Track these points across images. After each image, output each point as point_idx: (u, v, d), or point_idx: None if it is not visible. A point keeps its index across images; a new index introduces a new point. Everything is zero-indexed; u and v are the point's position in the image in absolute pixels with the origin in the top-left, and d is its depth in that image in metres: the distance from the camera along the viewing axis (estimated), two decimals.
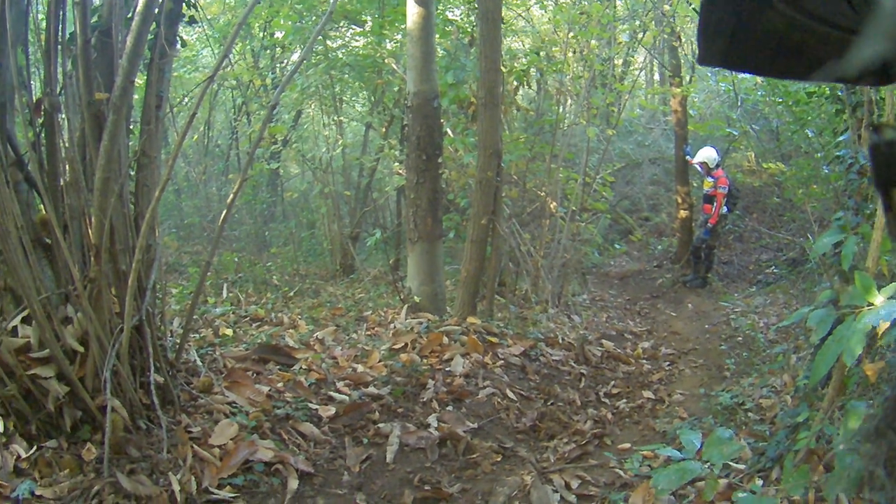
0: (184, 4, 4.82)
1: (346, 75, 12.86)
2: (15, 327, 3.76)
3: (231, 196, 5.11)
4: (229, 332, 6.90)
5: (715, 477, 3.41)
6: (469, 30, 11.55)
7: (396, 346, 6.75)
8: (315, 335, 7.07)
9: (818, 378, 3.26)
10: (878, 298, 2.95)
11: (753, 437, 5.21)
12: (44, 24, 4.07)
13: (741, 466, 4.65)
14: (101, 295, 3.95)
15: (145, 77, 4.68)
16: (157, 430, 4.11)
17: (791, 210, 14.43)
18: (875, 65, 0.80)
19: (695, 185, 14.34)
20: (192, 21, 5.05)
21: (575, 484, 4.93)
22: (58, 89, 4.06)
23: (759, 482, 4.28)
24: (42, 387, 3.70)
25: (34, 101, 4.04)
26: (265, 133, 5.67)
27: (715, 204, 12.28)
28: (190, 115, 4.49)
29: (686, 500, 4.39)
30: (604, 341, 8.81)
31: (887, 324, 2.89)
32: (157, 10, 4.30)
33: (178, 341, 5.08)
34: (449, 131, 10.50)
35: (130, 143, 4.62)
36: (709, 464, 3.25)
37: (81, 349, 3.88)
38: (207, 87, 4.63)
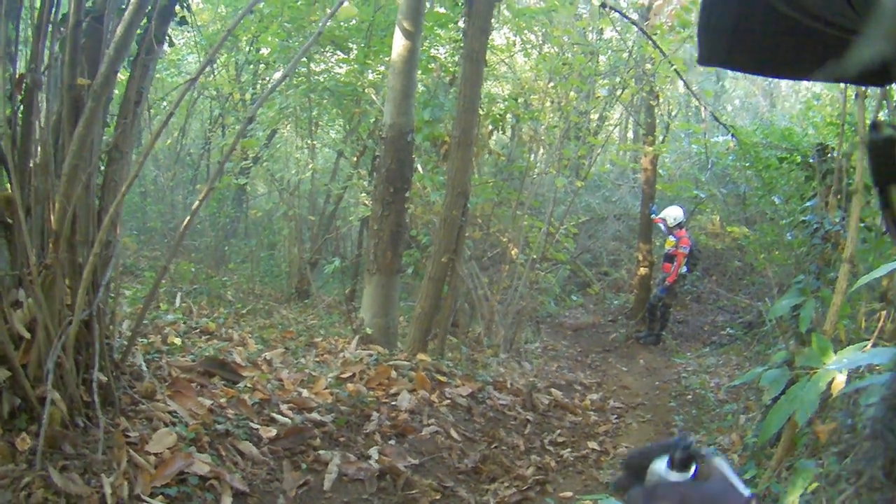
0: (177, 4, 4.79)
1: (325, 100, 12.87)
2: None
3: (196, 203, 5.06)
4: (178, 341, 6.81)
5: None
6: (451, 69, 11.61)
7: (344, 376, 6.69)
8: (263, 355, 7.00)
9: (768, 436, 3.27)
10: (833, 362, 2.96)
11: None
12: (38, 2, 4.02)
13: None
14: (55, 283, 3.88)
15: (129, 73, 4.64)
16: (94, 429, 4.00)
17: (751, 274, 14.63)
18: (875, 65, 0.78)
19: (657, 243, 14.49)
20: (182, 21, 5.03)
21: None
22: (42, 68, 4.00)
23: None
24: None
25: (17, 76, 3.98)
26: (237, 146, 5.63)
27: (675, 263, 12.40)
28: (167, 115, 4.47)
29: None
30: (552, 390, 8.81)
31: (841, 384, 2.90)
32: (150, 6, 4.29)
33: (126, 343, 4.97)
34: (419, 167, 10.53)
35: (105, 137, 4.57)
36: None
37: (28, 335, 3.80)
38: (188, 88, 4.59)
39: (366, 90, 11.93)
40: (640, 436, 7.71)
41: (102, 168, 4.47)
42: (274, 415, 5.44)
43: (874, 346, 3.83)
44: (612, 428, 8.00)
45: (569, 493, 5.79)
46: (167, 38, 4.93)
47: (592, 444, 7.21)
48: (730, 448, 6.29)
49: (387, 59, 9.67)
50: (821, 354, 3.01)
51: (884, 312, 5.14)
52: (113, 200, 4.23)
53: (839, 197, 5.00)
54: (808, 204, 5.71)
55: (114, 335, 4.83)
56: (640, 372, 11.25)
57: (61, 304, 3.99)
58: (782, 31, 0.86)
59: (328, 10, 7.11)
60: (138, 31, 4.35)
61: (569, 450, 6.98)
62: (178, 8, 4.83)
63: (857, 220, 4.02)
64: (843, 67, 0.82)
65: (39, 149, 3.92)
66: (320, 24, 5.78)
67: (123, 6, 4.21)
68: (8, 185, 3.88)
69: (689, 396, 9.27)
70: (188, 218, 5.00)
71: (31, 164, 3.95)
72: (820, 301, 4.00)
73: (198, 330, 7.79)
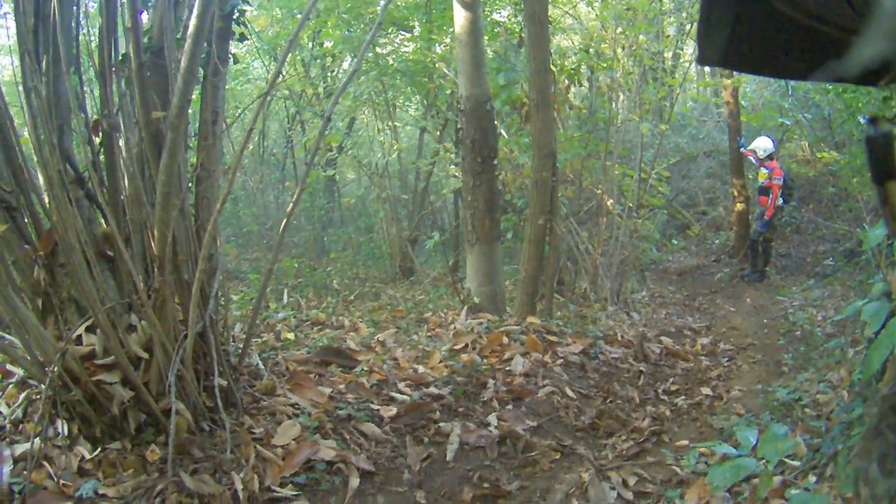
0: (234, 22, 4.96)
1: (398, 81, 12.96)
2: (79, 336, 3.87)
3: (291, 205, 5.20)
4: (291, 336, 7.00)
5: (769, 474, 3.41)
6: (517, 30, 11.60)
7: (457, 347, 6.80)
8: (376, 337, 7.14)
9: (872, 372, 3.21)
10: None
11: (809, 433, 5.16)
12: (94, 46, 4.18)
13: (796, 463, 4.62)
14: (166, 304, 4.05)
15: (199, 93, 4.82)
16: (220, 431, 4.19)
17: (846, 199, 14.22)
18: (875, 65, 0.80)
19: (750, 177, 14.23)
20: (242, 38, 5.15)
21: (632, 481, 4.91)
22: (114, 110, 4.21)
23: (813, 479, 4.26)
24: (107, 391, 3.81)
25: (92, 121, 4.18)
26: (321, 143, 5.77)
27: (771, 196, 12.20)
28: (248, 131, 4.61)
29: (741, 497, 4.39)
30: (663, 338, 8.78)
31: None
32: (207, 32, 4.45)
33: (241, 346, 5.17)
34: (503, 132, 10.54)
35: (189, 158, 4.76)
36: (764, 460, 3.26)
37: (146, 355, 3.98)
38: (263, 103, 4.75)
39: (436, 65, 11.96)
40: (751, 378, 7.64)
41: (193, 188, 4.64)
42: (392, 394, 5.58)
43: None
44: (724, 371, 7.94)
45: (685, 441, 5.78)
46: (230, 56, 5.08)
47: (705, 390, 7.18)
48: (839, 384, 6.20)
49: (451, 31, 9.69)
50: None
51: None
52: (208, 217, 4.38)
53: None
54: None
55: (228, 340, 5.03)
56: (748, 311, 11.13)
57: (174, 321, 4.17)
58: (782, 31, 0.88)
59: None
60: (202, 56, 4.54)
61: (682, 397, 6.96)
62: (234, 26, 4.98)
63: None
64: (843, 67, 0.83)
65: (128, 183, 4.09)
66: (380, 10, 5.85)
67: (179, 36, 4.39)
68: (103, 222, 4.12)
69: (798, 333, 9.11)
70: (285, 219, 5.17)
71: (122, 198, 4.14)
72: None
73: (309, 322, 7.97)
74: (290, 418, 4.72)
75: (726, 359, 8.46)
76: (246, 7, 5.23)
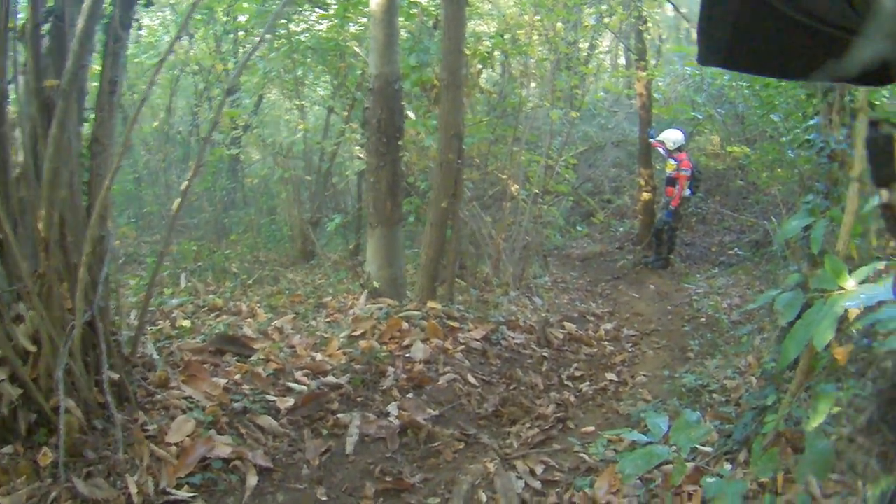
0: None
1: (309, 59, 12.71)
2: None
3: (185, 183, 5.01)
4: (187, 323, 6.82)
5: (682, 461, 3.37)
6: (434, 12, 11.44)
7: (356, 333, 6.65)
8: (273, 324, 6.97)
9: (787, 363, 3.25)
10: (849, 282, 2.95)
11: (719, 419, 5.21)
12: None
13: (708, 449, 4.64)
14: (52, 291, 3.83)
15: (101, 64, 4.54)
16: (113, 429, 4.00)
17: (755, 193, 14.51)
18: (875, 65, 0.79)
19: (658, 167, 14.37)
20: (148, 3, 4.87)
21: (539, 470, 4.92)
22: (8, 77, 3.89)
23: (728, 465, 4.30)
24: None
25: None
26: (221, 117, 5.55)
27: (677, 186, 12.32)
28: (140, 101, 4.36)
29: (653, 485, 4.37)
30: (566, 323, 8.80)
31: (858, 310, 2.85)
32: None
33: (134, 334, 4.95)
34: (410, 114, 10.40)
35: (85, 131, 4.49)
36: (675, 447, 3.20)
37: (34, 349, 3.77)
38: (158, 70, 4.48)
39: (348, 44, 11.74)
40: (656, 363, 7.72)
41: (87, 163, 4.40)
42: (289, 384, 5.44)
43: (887, 262, 3.80)
44: (629, 357, 8.00)
45: (591, 428, 5.78)
46: (135, 22, 4.79)
47: (610, 376, 7.21)
48: (746, 371, 6.28)
49: (367, 10, 9.50)
50: (835, 276, 2.98)
51: None
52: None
53: (843, 115, 4.91)
54: (811, 122, 5.63)
55: (120, 330, 4.83)
56: (652, 297, 11.24)
57: (62, 310, 3.96)
58: (782, 32, 0.87)
59: None
60: (104, 21, 4.25)
61: (587, 383, 6.97)
62: None
63: (863, 137, 3.93)
64: (843, 67, 0.82)
65: (21, 158, 3.83)
66: None
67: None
68: None
69: (703, 319, 9.26)
70: (178, 200, 4.96)
71: (13, 176, 3.86)
72: (830, 221, 3.93)
73: (206, 308, 7.80)
74: (185, 412, 4.56)
75: (630, 344, 8.53)
76: None
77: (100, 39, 4.41)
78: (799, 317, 3.19)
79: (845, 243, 3.69)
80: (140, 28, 5.00)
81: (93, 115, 4.46)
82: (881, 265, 3.44)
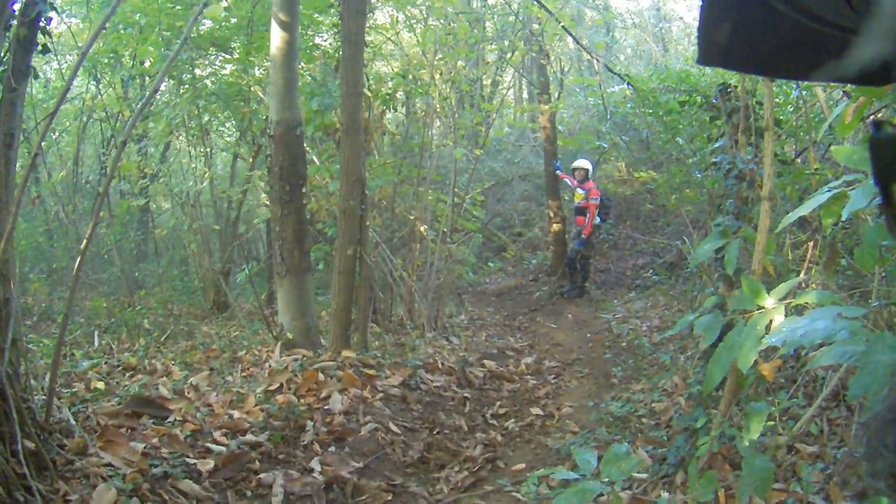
0: (38, 33, 4.50)
1: (214, 104, 12.55)
2: None
3: (84, 242, 4.83)
4: (101, 385, 6.57)
5: (617, 493, 3.33)
6: (335, 55, 11.41)
7: (272, 388, 6.52)
8: (189, 381, 6.78)
9: (712, 385, 3.29)
10: (768, 301, 2.98)
11: (651, 443, 5.22)
12: None
13: (643, 476, 4.63)
14: None
15: None
16: (34, 501, 3.82)
17: (665, 215, 14.75)
18: (875, 65, 0.79)
19: (566, 198, 14.51)
20: (45, 50, 4.71)
21: None
22: None
23: (665, 493, 4.32)
24: None
25: None
26: (115, 172, 5.40)
27: (588, 215, 12.47)
28: (32, 156, 4.19)
29: None
30: (485, 361, 8.77)
31: (779, 324, 2.84)
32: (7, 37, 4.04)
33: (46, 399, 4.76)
34: (315, 159, 10.35)
35: None
36: (609, 480, 3.16)
37: None
38: (48, 126, 4.32)
39: (252, 88, 11.63)
40: (580, 393, 7.72)
41: None
42: (208, 444, 5.26)
43: (805, 275, 3.85)
44: (552, 389, 7.98)
45: (521, 465, 5.75)
46: (32, 70, 4.62)
47: (535, 410, 7.18)
48: (674, 392, 6.30)
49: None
50: (753, 296, 3.00)
51: (811, 242, 5.20)
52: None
53: (748, 134, 5.00)
54: (716, 145, 5.73)
55: (32, 395, 4.62)
56: (570, 327, 11.29)
57: None
58: (782, 32, 0.87)
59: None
60: (1, 69, 4.10)
61: (512, 420, 6.93)
62: (40, 35, 4.53)
63: (770, 156, 4.00)
64: (843, 67, 0.83)
65: None
66: (185, 30, 5.53)
67: None
68: None
69: (624, 344, 9.31)
70: (79, 259, 4.78)
71: None
72: (743, 240, 3.98)
73: (120, 367, 7.55)
74: (105, 480, 4.36)
75: (553, 376, 8.53)
76: (53, 16, 4.76)
77: None
78: (720, 338, 3.22)
79: (760, 262, 3.76)
80: (37, 76, 4.80)
81: None
82: (800, 278, 3.49)
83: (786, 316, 2.83)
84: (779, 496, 3.81)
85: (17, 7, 4.19)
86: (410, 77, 11.83)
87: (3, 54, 4.18)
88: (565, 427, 6.64)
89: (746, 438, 3.36)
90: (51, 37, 4.78)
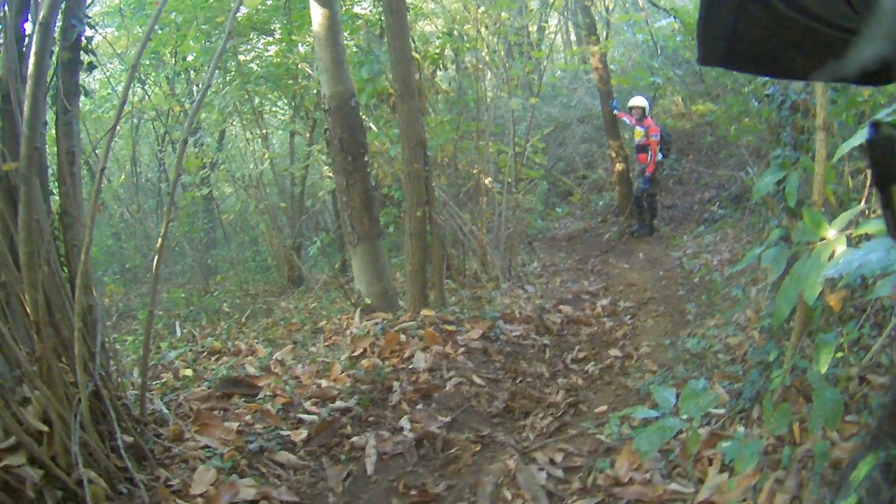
0: (81, 52, 4.63)
1: (263, 86, 12.65)
2: None
3: (160, 240, 4.98)
4: (189, 372, 6.74)
5: (695, 429, 3.37)
6: (378, 20, 11.43)
7: (356, 353, 6.66)
8: (274, 357, 6.93)
9: (782, 318, 3.23)
10: (830, 232, 2.91)
11: (727, 379, 5.21)
12: None
13: (721, 411, 4.64)
14: (52, 369, 3.82)
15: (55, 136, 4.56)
16: (138, 491, 3.97)
17: (726, 146, 14.48)
18: (875, 65, 0.79)
19: (626, 137, 14.36)
20: (91, 67, 4.84)
21: (559, 458, 4.91)
22: None
23: (741, 428, 4.31)
24: (17, 475, 3.55)
25: None
26: (182, 169, 5.53)
27: (650, 152, 12.33)
28: (99, 171, 4.32)
29: (672, 455, 4.38)
30: (561, 307, 8.80)
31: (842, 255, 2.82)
32: (52, 66, 4.17)
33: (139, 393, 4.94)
34: (372, 126, 10.40)
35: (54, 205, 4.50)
36: (687, 417, 3.20)
37: (46, 428, 3.74)
38: (111, 138, 4.46)
39: (299, 66, 11.71)
40: (657, 332, 7.70)
41: (61, 237, 4.42)
42: (300, 415, 5.43)
43: (866, 203, 3.80)
44: (629, 330, 7.98)
45: (603, 408, 5.78)
46: (81, 89, 4.77)
47: (614, 352, 7.20)
48: (747, 325, 6.26)
49: (311, 29, 9.48)
50: (815, 228, 2.93)
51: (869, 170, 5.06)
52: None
53: None
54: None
55: (126, 392, 4.83)
56: (643, 266, 11.24)
57: (65, 385, 3.94)
58: (782, 32, 0.87)
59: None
60: (51, 93, 4.24)
61: (592, 364, 6.96)
62: (83, 55, 4.66)
63: (822, 84, 3.93)
64: (843, 67, 0.83)
65: None
66: (228, 24, 5.62)
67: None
68: None
69: (696, 280, 9.24)
70: (156, 257, 4.93)
71: None
72: (803, 171, 3.92)
73: (205, 353, 7.74)
74: (204, 462, 4.54)
75: (629, 316, 8.51)
76: (92, 33, 4.91)
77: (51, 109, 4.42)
78: (787, 270, 3.16)
79: (820, 192, 3.68)
80: (87, 94, 4.93)
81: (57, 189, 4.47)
82: (861, 207, 3.45)
83: (848, 246, 2.81)
84: (851, 428, 3.80)
85: (56, 32, 4.31)
86: (456, 34, 11.82)
87: (50, 79, 4.31)
88: (644, 366, 6.65)
89: (816, 371, 3.36)
90: (95, 54, 4.91)
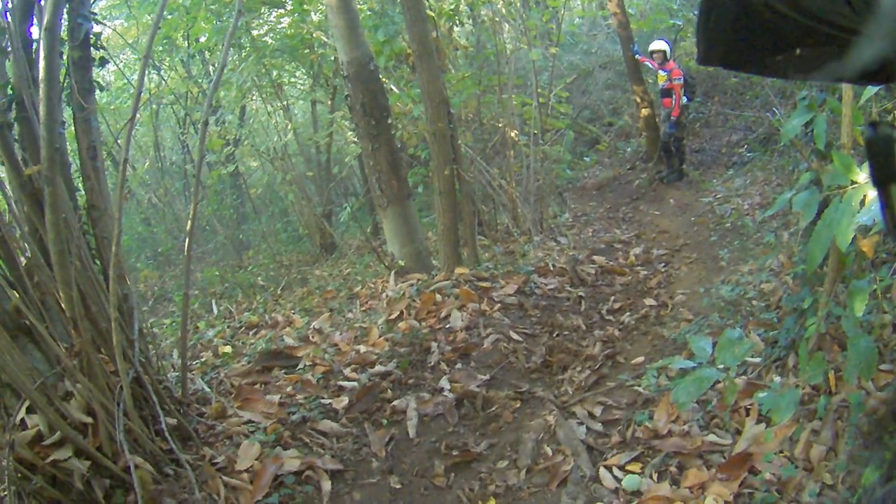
0: (91, 48, 4.65)
1: (280, 59, 12.63)
2: (23, 419, 3.69)
3: (189, 222, 5.01)
4: (228, 349, 6.84)
5: (732, 379, 3.35)
6: None
7: (393, 317, 6.69)
8: (312, 326, 6.99)
9: (815, 265, 3.19)
10: (861, 175, 2.85)
11: (762, 326, 5.18)
12: None
13: (757, 360, 4.63)
14: (91, 361, 3.88)
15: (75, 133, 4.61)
16: (184, 471, 4.04)
17: (751, 88, 14.30)
18: (875, 65, 0.80)
19: (650, 81, 14.20)
20: (103, 62, 4.86)
21: (598, 411, 4.94)
22: None
23: (777, 378, 4.29)
24: (65, 469, 3.63)
25: None
26: (204, 153, 5.55)
27: (674, 96, 12.18)
28: (122, 162, 4.34)
29: (710, 406, 4.38)
30: (595, 257, 8.78)
31: (874, 198, 2.76)
32: (63, 68, 4.20)
33: (180, 374, 5.02)
34: (393, 87, 10.37)
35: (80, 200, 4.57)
36: (724, 367, 3.19)
37: (90, 420, 3.81)
38: (131, 129, 4.46)
39: (314, 35, 11.66)
40: (691, 279, 7.66)
41: (91, 230, 4.49)
42: (340, 383, 5.48)
43: None
44: (663, 278, 7.94)
45: (640, 359, 5.77)
46: (95, 84, 4.79)
47: (649, 301, 7.18)
48: (781, 270, 6.20)
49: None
50: (845, 171, 2.86)
51: None
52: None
53: None
54: None
55: (167, 374, 4.92)
56: (674, 212, 11.16)
57: (106, 375, 4.01)
58: (782, 32, 0.87)
59: None
60: (66, 92, 4.27)
61: (628, 314, 6.94)
62: (93, 51, 4.68)
63: None
64: (843, 67, 0.84)
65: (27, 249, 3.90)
66: (237, 3, 5.60)
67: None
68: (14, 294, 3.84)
69: (728, 225, 9.16)
70: (187, 241, 4.97)
71: (24, 266, 3.89)
72: (830, 112, 3.85)
73: (243, 328, 7.84)
74: (247, 437, 4.61)
75: (662, 264, 8.47)
76: (100, 28, 4.93)
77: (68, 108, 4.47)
78: (819, 215, 3.12)
79: (849, 134, 3.61)
80: (102, 89, 4.97)
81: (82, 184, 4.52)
82: None
83: None
84: (886, 377, 3.79)
85: (63, 30, 4.33)
86: None
87: (63, 78, 4.33)
88: (679, 315, 6.63)
89: (851, 318, 3.32)
90: (105, 48, 4.93)
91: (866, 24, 0.77)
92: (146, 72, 5.10)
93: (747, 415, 4.17)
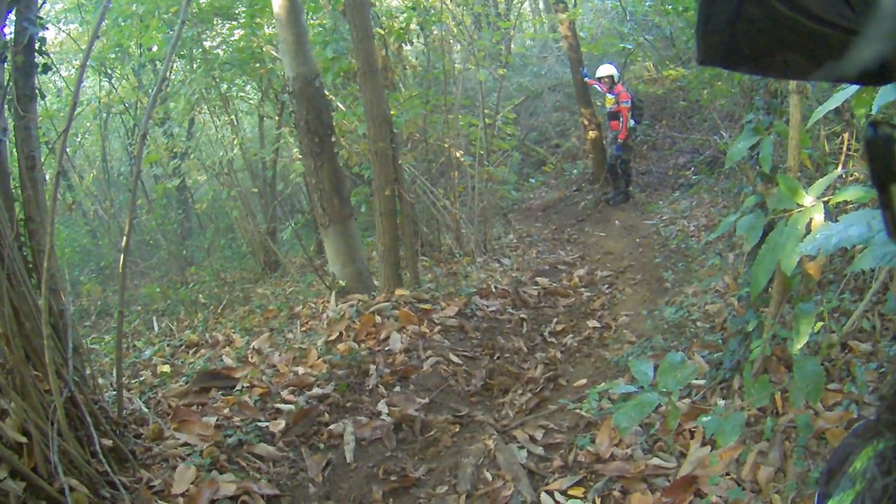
0: (35, 55, 4.52)
1: (229, 72, 12.49)
2: None
3: (125, 238, 4.89)
4: (167, 368, 6.68)
5: (674, 403, 3.33)
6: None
7: (332, 338, 6.61)
8: (251, 346, 6.88)
9: (759, 288, 3.20)
10: (807, 199, 2.85)
11: (707, 348, 5.19)
12: None
13: (701, 382, 4.62)
14: (24, 379, 3.75)
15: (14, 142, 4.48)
16: (120, 495, 3.92)
17: (699, 111, 14.53)
18: (875, 65, 0.77)
19: (598, 104, 14.31)
20: (46, 69, 4.73)
21: (539, 435, 4.92)
22: None
23: (722, 400, 4.31)
24: (0, 489, 3.50)
25: None
26: (141, 166, 5.44)
27: (621, 119, 12.28)
28: (56, 175, 4.22)
29: (653, 429, 4.35)
30: (538, 279, 8.78)
31: (820, 223, 2.75)
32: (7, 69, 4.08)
33: (115, 394, 4.89)
34: (340, 105, 10.29)
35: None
36: (666, 391, 3.15)
37: (24, 439, 3.69)
38: (65, 139, 4.35)
39: (264, 49, 11.56)
40: (635, 301, 7.68)
41: (27, 243, 4.36)
42: (277, 405, 5.39)
43: (843, 168, 3.74)
44: (607, 299, 7.96)
45: (582, 381, 5.76)
46: (37, 92, 4.65)
47: (592, 323, 7.18)
48: (726, 292, 6.23)
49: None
50: (791, 195, 2.87)
51: (846, 134, 5.05)
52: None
53: None
54: None
55: (102, 394, 4.76)
56: (619, 233, 11.22)
57: (40, 394, 3.88)
58: (781, 32, 0.83)
59: None
60: (8, 98, 4.14)
61: (570, 336, 6.94)
62: (38, 58, 4.55)
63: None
64: (842, 68, 0.80)
65: None
66: (181, 13, 5.50)
67: None
68: None
69: (673, 247, 9.23)
70: (122, 255, 4.86)
71: None
72: (777, 136, 3.87)
73: (182, 346, 7.68)
74: (184, 460, 4.50)
75: (606, 286, 8.49)
76: (46, 34, 4.79)
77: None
78: (763, 238, 3.13)
79: (795, 157, 3.64)
80: (43, 97, 4.83)
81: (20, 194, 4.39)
82: (838, 172, 3.40)
83: (826, 214, 2.75)
84: (834, 397, 3.81)
85: (7, 35, 4.21)
86: (422, 7, 11.70)
87: (6, 83, 4.21)
88: (622, 337, 6.64)
89: (797, 343, 3.31)
90: (49, 55, 4.80)
91: (866, 24, 0.74)
92: (83, 78, 4.97)
93: (692, 437, 4.17)
